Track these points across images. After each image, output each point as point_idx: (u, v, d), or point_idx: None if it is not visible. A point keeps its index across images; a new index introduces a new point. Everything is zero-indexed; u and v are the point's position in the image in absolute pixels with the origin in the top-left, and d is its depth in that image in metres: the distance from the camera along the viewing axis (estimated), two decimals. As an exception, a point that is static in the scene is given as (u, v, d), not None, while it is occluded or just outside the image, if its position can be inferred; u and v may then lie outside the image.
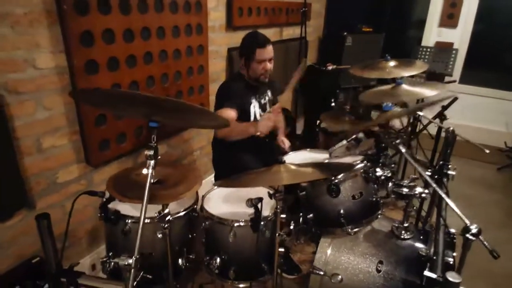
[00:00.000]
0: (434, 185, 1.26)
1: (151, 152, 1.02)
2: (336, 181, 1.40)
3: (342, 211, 1.40)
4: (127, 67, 1.77)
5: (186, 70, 2.17)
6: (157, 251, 1.44)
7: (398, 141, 1.29)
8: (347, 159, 1.55)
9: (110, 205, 1.44)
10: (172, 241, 1.46)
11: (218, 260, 1.48)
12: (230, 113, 1.84)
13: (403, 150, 1.30)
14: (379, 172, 1.43)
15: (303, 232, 2.05)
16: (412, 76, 2.04)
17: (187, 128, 2.34)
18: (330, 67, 3.66)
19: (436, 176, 1.69)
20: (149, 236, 1.42)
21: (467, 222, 1.07)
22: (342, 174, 1.39)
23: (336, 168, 1.38)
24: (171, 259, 1.42)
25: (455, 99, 2.10)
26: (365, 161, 1.43)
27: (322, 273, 1.52)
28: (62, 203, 1.67)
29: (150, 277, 1.23)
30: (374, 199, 1.43)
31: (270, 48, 1.93)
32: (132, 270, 0.98)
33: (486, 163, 3.75)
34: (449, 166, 1.80)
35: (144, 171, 1.02)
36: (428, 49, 4.13)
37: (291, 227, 1.52)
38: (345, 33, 3.79)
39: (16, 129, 1.41)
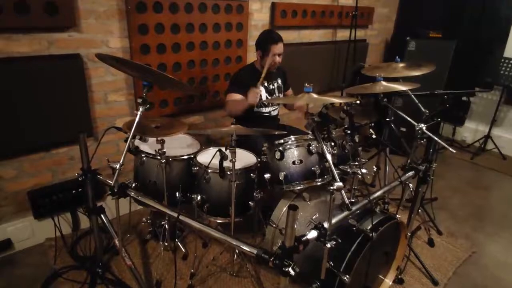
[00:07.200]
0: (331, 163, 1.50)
1: (140, 101, 1.58)
2: (282, 147, 1.74)
3: (284, 172, 1.72)
4: (172, 52, 2.40)
5: (224, 59, 2.72)
6: (159, 181, 2.01)
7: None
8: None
9: (136, 143, 2.07)
10: (172, 176, 2.03)
11: (198, 197, 1.98)
12: (235, 96, 2.31)
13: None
14: (326, 148, 1.69)
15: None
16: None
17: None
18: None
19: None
20: (155, 168, 2.01)
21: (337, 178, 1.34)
22: (289, 142, 1.73)
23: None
24: (167, 189, 1.98)
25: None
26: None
27: (275, 226, 1.87)
28: (117, 142, 2.41)
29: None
30: (313, 168, 1.70)
31: (281, 45, 2.30)
32: (117, 172, 1.55)
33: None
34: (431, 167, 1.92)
35: (135, 112, 1.59)
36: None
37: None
38: (407, 38, 3.79)
39: (92, 85, 2.17)
